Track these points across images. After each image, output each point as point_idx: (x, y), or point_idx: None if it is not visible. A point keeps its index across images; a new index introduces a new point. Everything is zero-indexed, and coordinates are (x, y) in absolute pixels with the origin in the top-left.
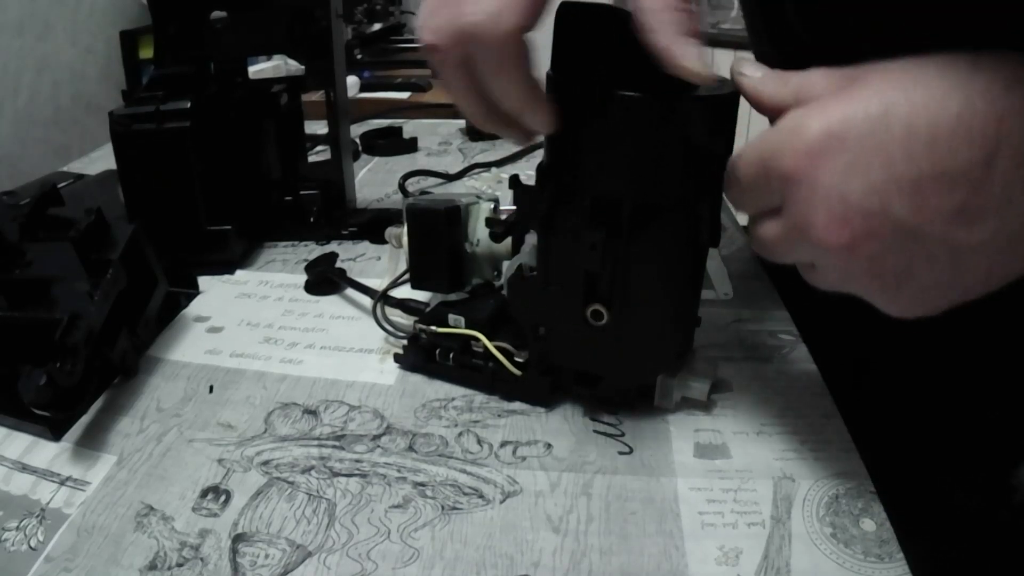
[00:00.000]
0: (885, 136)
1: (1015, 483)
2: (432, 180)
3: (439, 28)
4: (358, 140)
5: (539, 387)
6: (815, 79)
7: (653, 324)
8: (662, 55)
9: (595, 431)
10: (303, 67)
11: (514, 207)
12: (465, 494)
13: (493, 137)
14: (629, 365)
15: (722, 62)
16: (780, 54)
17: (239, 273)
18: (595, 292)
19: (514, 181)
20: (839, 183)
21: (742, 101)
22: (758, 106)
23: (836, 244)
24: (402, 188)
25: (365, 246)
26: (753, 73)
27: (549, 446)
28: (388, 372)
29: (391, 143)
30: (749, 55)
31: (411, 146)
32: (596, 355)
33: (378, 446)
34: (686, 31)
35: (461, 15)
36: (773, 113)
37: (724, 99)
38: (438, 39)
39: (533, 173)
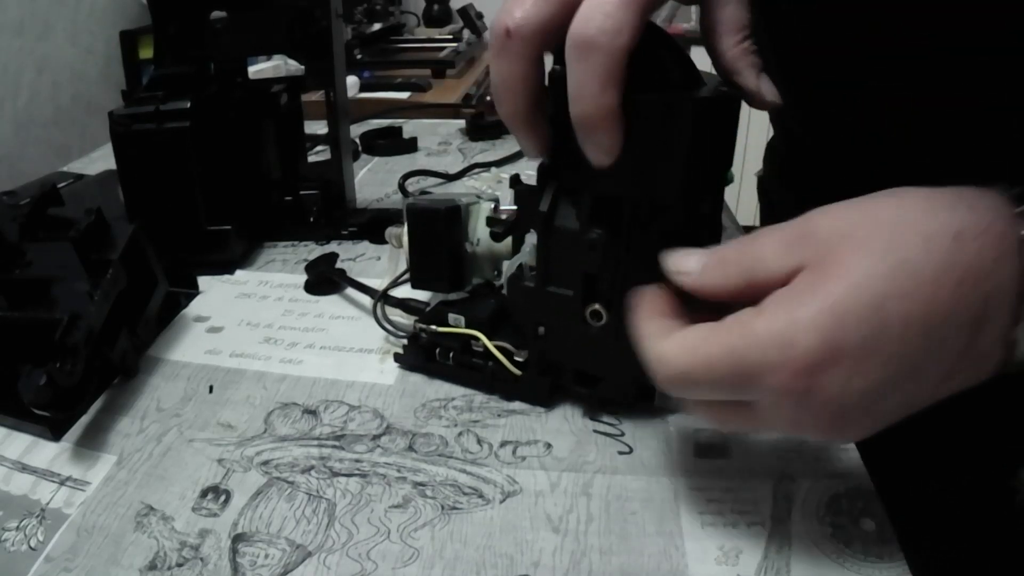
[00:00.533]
0: (882, 337)
1: (1016, 485)
2: (432, 180)
3: (528, 20)
4: (358, 140)
5: (539, 387)
6: (764, 253)
7: None
8: (750, 96)
9: (595, 431)
10: (303, 67)
11: (514, 207)
12: (465, 494)
13: (493, 137)
14: (629, 365)
15: None
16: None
17: (239, 273)
18: (594, 292)
19: (514, 181)
20: (838, 394)
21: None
22: (706, 298)
23: (827, 437)
24: (402, 188)
25: (365, 246)
26: (690, 268)
27: (549, 446)
28: (388, 372)
29: (391, 143)
30: None
31: (411, 146)
32: (596, 355)
33: (378, 446)
34: (759, 68)
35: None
36: (725, 301)
37: (725, 99)
38: (525, 29)
39: (534, 173)
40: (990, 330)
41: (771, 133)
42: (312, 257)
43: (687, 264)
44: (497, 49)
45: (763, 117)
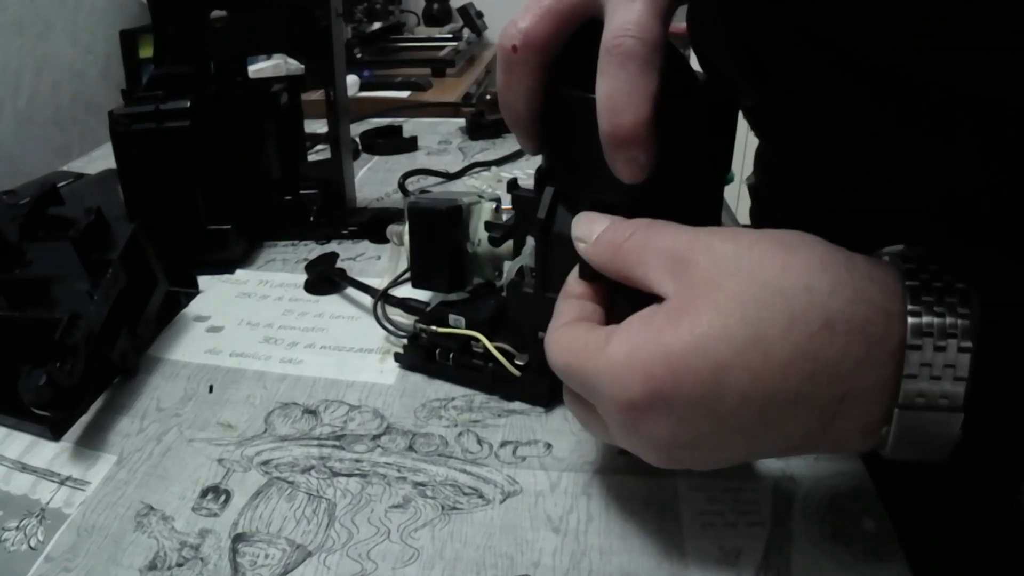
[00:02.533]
0: (716, 403)
1: (1022, 498)
2: (432, 179)
3: (533, 35)
4: (358, 139)
5: (539, 387)
6: (649, 260)
7: None
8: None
9: None
10: (303, 66)
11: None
12: (465, 494)
13: (493, 136)
14: None
15: None
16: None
17: (239, 273)
18: None
19: (511, 186)
20: (664, 436)
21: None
22: (597, 270)
23: (655, 464)
24: (402, 187)
25: (365, 245)
26: (587, 235)
27: (549, 446)
28: (388, 372)
29: (391, 142)
30: None
31: (411, 145)
32: None
33: (378, 446)
34: None
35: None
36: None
37: (722, 104)
38: (531, 44)
39: (532, 174)
40: (846, 423)
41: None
42: (312, 257)
43: (586, 231)
44: (503, 63)
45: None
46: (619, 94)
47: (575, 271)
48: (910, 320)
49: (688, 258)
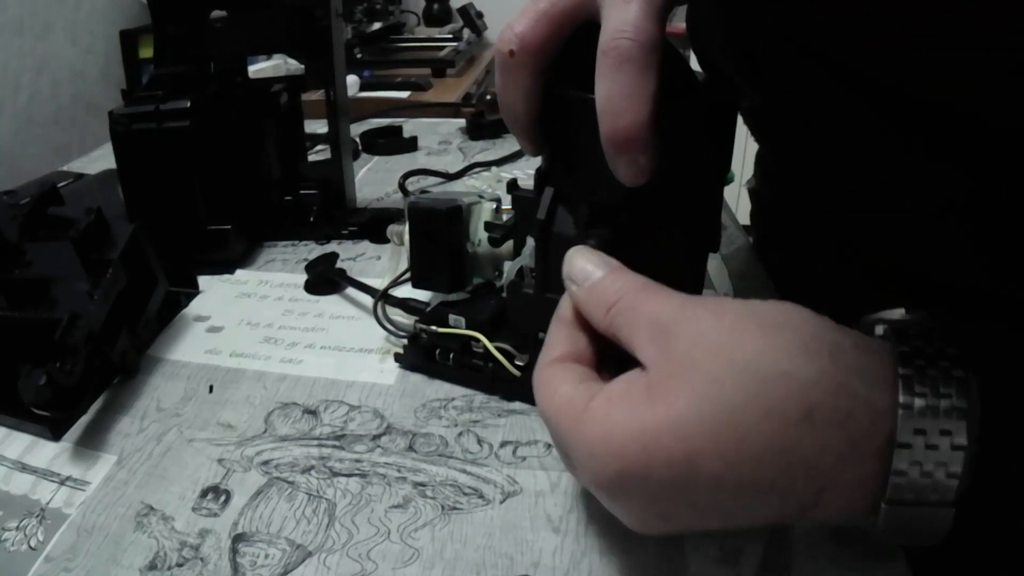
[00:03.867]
0: (689, 485)
1: None
2: (432, 179)
3: (530, 38)
4: (358, 139)
5: None
6: (637, 324)
7: None
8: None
9: None
10: (303, 66)
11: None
12: (465, 494)
13: (493, 136)
14: None
15: None
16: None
17: (239, 273)
18: None
19: (511, 186)
20: (638, 512)
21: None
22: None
23: (630, 528)
24: (402, 187)
25: (365, 246)
26: (582, 278)
27: (549, 446)
28: (388, 372)
29: (391, 142)
30: None
31: (411, 145)
32: None
33: (378, 446)
34: None
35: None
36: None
37: (721, 105)
38: (528, 49)
39: (532, 174)
40: (824, 514)
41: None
42: (312, 257)
43: (581, 273)
44: (501, 67)
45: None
46: (618, 96)
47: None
48: (900, 414)
49: (671, 330)
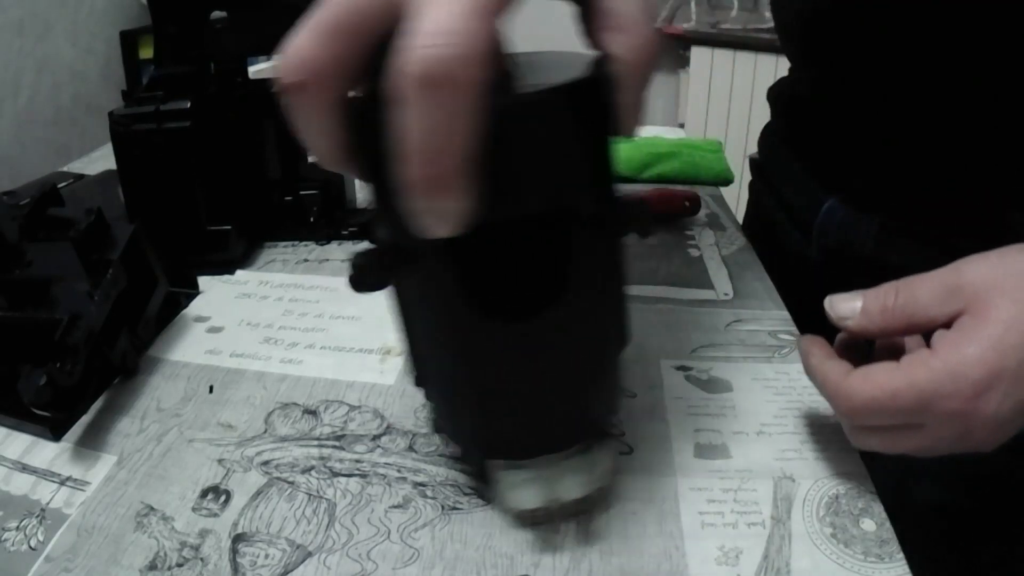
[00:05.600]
0: None
1: None
2: None
3: (312, 67)
4: None
5: None
6: (923, 301)
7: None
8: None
9: None
10: None
11: None
12: (465, 494)
13: None
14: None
15: (721, 62)
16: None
17: (239, 273)
18: None
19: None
20: (995, 411)
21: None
22: (865, 338)
23: (983, 445)
24: None
25: (365, 246)
26: (851, 311)
27: None
28: (388, 372)
29: None
30: (748, 55)
31: None
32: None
33: (378, 446)
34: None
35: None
36: (886, 337)
37: (590, 82)
38: (312, 80)
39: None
40: None
41: (767, 118)
42: (312, 257)
43: (846, 309)
44: (294, 106)
45: (765, 114)
46: (422, 133)
47: (812, 346)
48: None
49: (962, 283)
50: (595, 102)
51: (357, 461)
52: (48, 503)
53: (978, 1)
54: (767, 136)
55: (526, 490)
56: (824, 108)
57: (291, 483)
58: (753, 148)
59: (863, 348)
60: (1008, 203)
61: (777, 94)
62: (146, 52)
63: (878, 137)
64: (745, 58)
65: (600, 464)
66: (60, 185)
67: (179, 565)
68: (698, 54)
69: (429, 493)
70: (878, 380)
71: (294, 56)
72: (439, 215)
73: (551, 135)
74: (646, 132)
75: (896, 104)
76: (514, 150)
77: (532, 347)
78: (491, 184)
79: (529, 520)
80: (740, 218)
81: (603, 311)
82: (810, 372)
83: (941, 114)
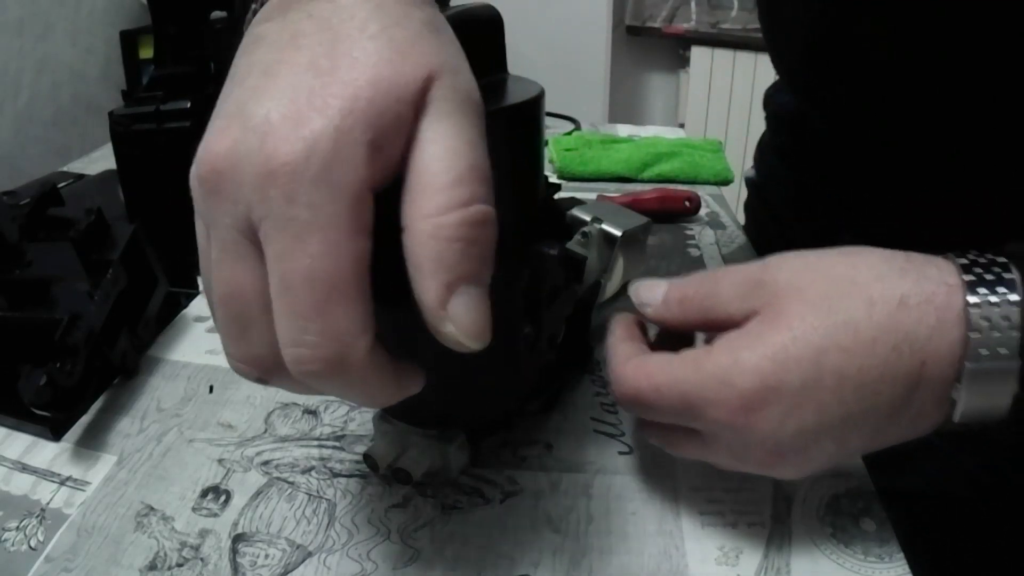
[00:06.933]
0: (818, 385)
1: None
2: None
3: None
4: None
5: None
6: (722, 296)
7: None
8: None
9: (595, 431)
10: None
11: None
12: (465, 494)
13: None
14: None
15: (722, 62)
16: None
17: None
18: None
19: None
20: (773, 431)
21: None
22: (665, 328)
23: (769, 470)
24: None
25: None
26: (652, 299)
27: (549, 446)
28: None
29: None
30: (748, 55)
31: None
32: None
33: None
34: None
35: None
36: (684, 331)
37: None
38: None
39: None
40: (925, 392)
41: (761, 130)
42: None
43: (649, 296)
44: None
45: (760, 124)
46: (314, 344)
47: (619, 319)
48: (966, 279)
49: (765, 279)
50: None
51: (357, 461)
52: (48, 503)
53: (969, 19)
54: (763, 152)
55: (378, 442)
56: (821, 133)
57: (291, 483)
58: (754, 147)
59: (684, 339)
60: (1009, 229)
61: (773, 110)
62: (146, 52)
63: (877, 162)
64: (745, 58)
65: (447, 458)
66: (60, 185)
67: (179, 565)
68: (698, 54)
69: (429, 493)
70: (648, 370)
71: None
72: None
73: None
74: (646, 132)
75: (895, 131)
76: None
77: (394, 323)
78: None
79: (378, 472)
80: (740, 218)
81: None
82: (605, 350)
83: (942, 142)
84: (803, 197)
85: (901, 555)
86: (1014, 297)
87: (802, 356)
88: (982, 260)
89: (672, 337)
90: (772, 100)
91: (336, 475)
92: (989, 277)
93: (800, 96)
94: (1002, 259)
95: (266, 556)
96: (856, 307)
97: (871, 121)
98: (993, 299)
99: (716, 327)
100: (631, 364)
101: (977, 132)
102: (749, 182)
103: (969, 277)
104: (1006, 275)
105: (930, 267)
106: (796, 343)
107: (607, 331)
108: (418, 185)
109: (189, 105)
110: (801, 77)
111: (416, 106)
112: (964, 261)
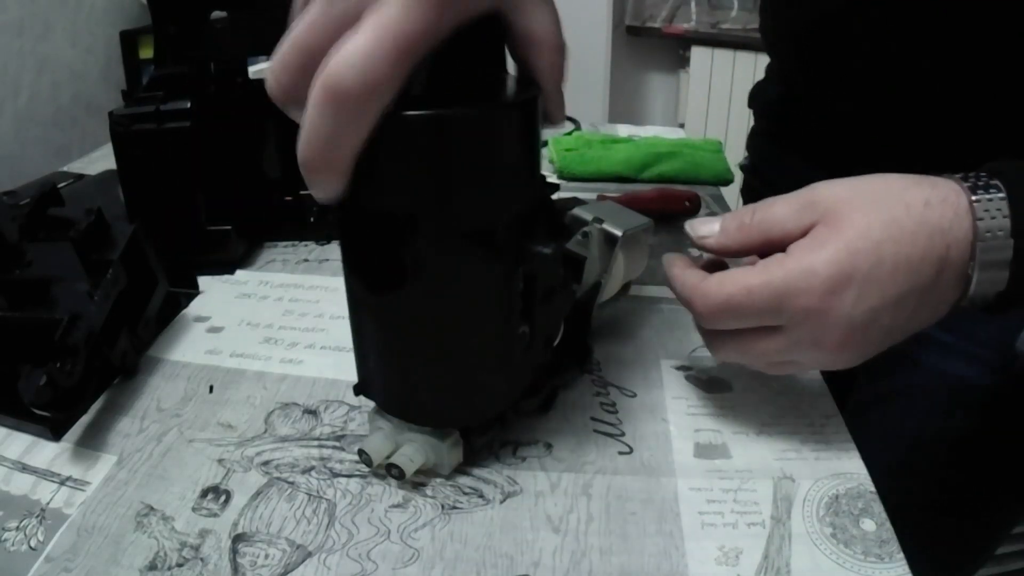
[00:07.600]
0: (880, 269)
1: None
2: None
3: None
4: None
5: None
6: (778, 216)
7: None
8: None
9: (595, 431)
10: None
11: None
12: (465, 494)
13: None
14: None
15: (722, 62)
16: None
17: (239, 273)
18: None
19: None
20: (848, 312)
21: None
22: (724, 255)
23: (839, 353)
24: None
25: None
26: (710, 231)
27: (549, 446)
28: None
29: None
30: (748, 55)
31: None
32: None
33: None
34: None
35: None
36: (744, 255)
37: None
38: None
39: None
40: (951, 270)
41: (751, 123)
42: (312, 257)
43: (706, 229)
44: (327, 110)
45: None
46: (323, 130)
47: (675, 260)
48: (965, 185)
49: (816, 198)
50: (455, 139)
51: (357, 461)
52: (48, 503)
53: (969, 8)
54: (754, 139)
55: (373, 437)
56: (816, 109)
57: (291, 483)
58: (740, 145)
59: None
60: None
61: (761, 101)
62: (146, 52)
63: (872, 133)
64: (745, 58)
65: (441, 455)
66: (60, 185)
67: (179, 565)
68: (698, 54)
69: (429, 493)
70: (735, 278)
71: (361, 70)
72: (315, 187)
73: (413, 157)
74: (646, 132)
75: (892, 107)
76: (381, 160)
77: (389, 320)
78: (359, 178)
79: (371, 466)
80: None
81: (448, 313)
82: (671, 282)
83: (940, 116)
84: (793, 172)
85: (901, 555)
86: (1000, 195)
87: (867, 248)
88: (971, 175)
89: (717, 267)
90: (758, 97)
91: (336, 475)
92: (980, 183)
93: (791, 72)
94: (983, 173)
95: (266, 556)
96: (897, 208)
97: (860, 105)
98: (988, 196)
99: (775, 245)
100: (714, 279)
101: (960, 111)
102: (743, 168)
103: (967, 184)
104: (992, 181)
105: (939, 180)
106: (860, 238)
107: (665, 271)
108: (543, 42)
109: (189, 105)
110: (797, 53)
111: None
112: (959, 176)
